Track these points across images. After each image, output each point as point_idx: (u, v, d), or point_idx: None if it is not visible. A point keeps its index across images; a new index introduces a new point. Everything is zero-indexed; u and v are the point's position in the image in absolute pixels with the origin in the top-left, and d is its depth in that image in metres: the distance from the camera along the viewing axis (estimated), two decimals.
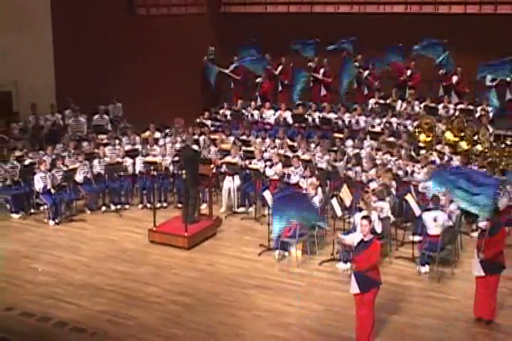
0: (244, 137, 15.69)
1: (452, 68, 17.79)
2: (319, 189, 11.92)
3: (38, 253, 11.81)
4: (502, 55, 16.72)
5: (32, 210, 13.62)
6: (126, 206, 14.02)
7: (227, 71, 19.88)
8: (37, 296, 10.16)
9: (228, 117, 18.09)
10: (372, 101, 17.94)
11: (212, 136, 15.69)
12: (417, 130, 15.15)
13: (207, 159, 13.70)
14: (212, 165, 13.27)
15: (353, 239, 8.82)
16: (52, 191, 13.10)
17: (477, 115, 16.18)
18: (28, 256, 11.68)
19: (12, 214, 13.45)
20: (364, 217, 9.00)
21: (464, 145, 14.13)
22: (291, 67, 19.74)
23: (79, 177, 13.58)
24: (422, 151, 14.02)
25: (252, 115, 18.01)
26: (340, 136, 15.52)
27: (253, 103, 18.56)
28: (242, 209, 13.65)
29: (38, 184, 13.04)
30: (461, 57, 17.67)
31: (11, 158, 13.81)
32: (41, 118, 16.17)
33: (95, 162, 13.96)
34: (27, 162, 13.82)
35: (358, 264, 8.56)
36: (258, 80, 19.58)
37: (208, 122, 17.36)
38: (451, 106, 16.91)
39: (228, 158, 13.95)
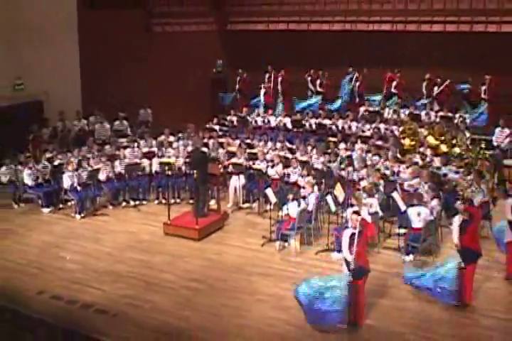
0: (248, 140, 15.65)
1: None
2: (315, 187, 11.91)
3: (65, 243, 11.83)
4: (475, 67, 16.84)
5: (61, 205, 13.61)
6: (144, 202, 13.97)
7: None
8: (65, 281, 10.19)
9: (234, 123, 18.04)
10: (362, 108, 17.93)
11: (220, 140, 15.64)
12: (402, 135, 15.12)
13: (214, 158, 13.67)
14: (220, 165, 13.28)
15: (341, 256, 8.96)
16: (79, 188, 13.11)
17: (455, 121, 16.16)
18: (57, 246, 11.71)
19: (43, 209, 13.45)
20: (355, 212, 9.02)
21: (443, 148, 14.06)
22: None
23: (102, 176, 13.59)
24: (407, 153, 13.97)
25: (255, 121, 17.99)
26: (334, 139, 15.46)
27: (256, 110, 18.55)
28: (246, 204, 13.60)
29: (66, 182, 13.07)
30: (440, 69, 17.67)
31: (43, 159, 13.89)
32: (68, 123, 16.22)
33: (116, 162, 13.97)
34: (56, 162, 13.86)
35: (355, 254, 8.54)
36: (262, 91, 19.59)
37: (217, 127, 17.30)
38: (433, 113, 16.86)
39: (234, 159, 13.93)
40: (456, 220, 9.26)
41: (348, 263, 8.58)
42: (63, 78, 16.70)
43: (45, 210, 13.44)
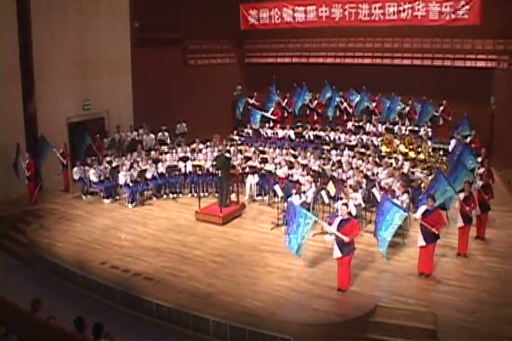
0: (261, 148, 15.62)
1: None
2: (313, 184, 11.87)
3: (121, 226, 11.92)
4: (435, 92, 16.83)
5: (117, 197, 13.71)
6: (180, 195, 13.99)
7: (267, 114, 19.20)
8: (121, 255, 10.29)
9: (250, 134, 18.05)
10: (349, 123, 17.85)
11: (239, 147, 15.62)
12: (380, 143, 15.05)
13: (233, 165, 13.67)
14: (238, 167, 13.29)
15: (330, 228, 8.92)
16: (131, 184, 13.17)
17: (420, 134, 16.06)
18: (114, 228, 11.81)
19: (104, 200, 13.55)
20: (343, 204, 9.01)
21: (411, 154, 13.96)
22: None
23: (148, 175, 13.62)
24: (384, 158, 13.91)
25: (266, 133, 17.97)
26: (327, 147, 15.40)
27: (267, 124, 18.53)
28: (259, 197, 13.59)
29: (121, 179, 13.14)
30: (409, 94, 17.58)
31: (104, 161, 13.96)
32: (123, 134, 16.33)
33: (159, 165, 13.99)
34: (114, 164, 13.91)
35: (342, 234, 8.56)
36: (270, 110, 19.56)
37: (236, 137, 17.26)
38: (403, 127, 16.76)
39: (250, 162, 13.93)
40: (421, 209, 9.31)
41: (338, 239, 8.62)
42: (120, 100, 16.83)
43: (106, 201, 13.53)
